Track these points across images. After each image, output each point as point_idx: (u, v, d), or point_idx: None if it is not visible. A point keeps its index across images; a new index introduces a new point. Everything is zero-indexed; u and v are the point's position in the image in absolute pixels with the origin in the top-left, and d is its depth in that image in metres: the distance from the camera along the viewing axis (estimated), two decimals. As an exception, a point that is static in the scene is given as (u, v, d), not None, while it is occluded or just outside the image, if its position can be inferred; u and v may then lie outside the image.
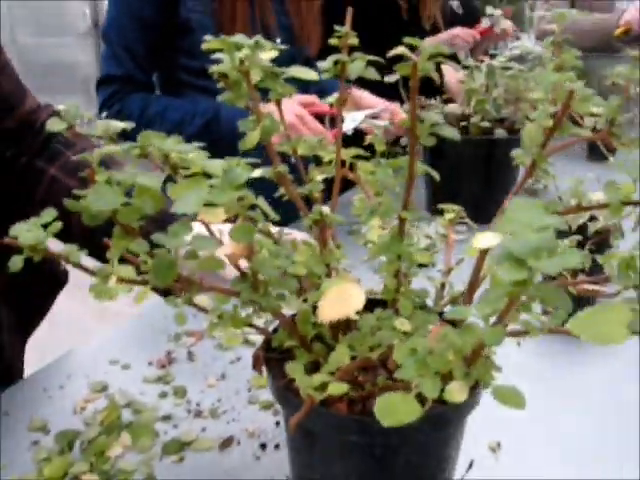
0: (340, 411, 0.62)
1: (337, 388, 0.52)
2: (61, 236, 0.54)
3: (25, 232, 0.46)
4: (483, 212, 0.98)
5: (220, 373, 1.00)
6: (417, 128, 0.50)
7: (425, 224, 0.90)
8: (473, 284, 0.64)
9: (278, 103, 0.70)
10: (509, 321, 0.43)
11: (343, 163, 0.73)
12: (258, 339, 0.74)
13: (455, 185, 1.51)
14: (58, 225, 0.47)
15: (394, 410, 0.45)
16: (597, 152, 2.05)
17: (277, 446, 0.85)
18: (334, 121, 1.69)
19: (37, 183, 0.96)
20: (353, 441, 0.63)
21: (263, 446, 0.85)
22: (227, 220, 0.48)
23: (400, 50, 0.46)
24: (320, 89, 1.76)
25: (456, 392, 0.47)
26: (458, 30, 2.21)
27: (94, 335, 1.13)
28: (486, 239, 0.41)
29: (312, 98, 1.61)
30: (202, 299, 0.70)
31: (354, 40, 0.60)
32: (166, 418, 0.91)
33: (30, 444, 0.87)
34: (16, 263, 0.46)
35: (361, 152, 0.78)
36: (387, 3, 2.09)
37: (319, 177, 0.79)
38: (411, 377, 0.46)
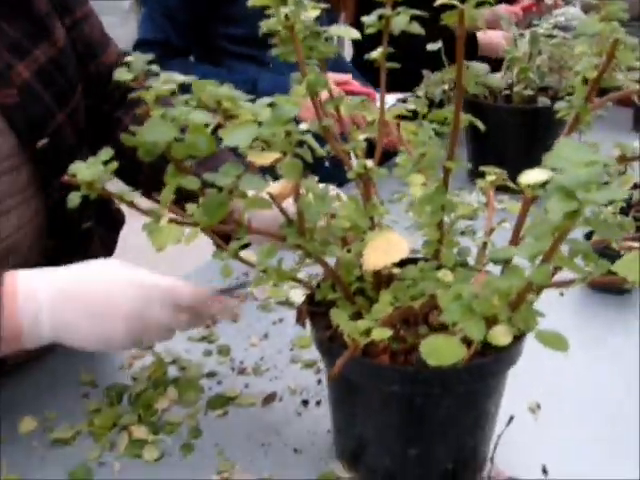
0: (383, 362, 0.63)
1: (381, 333, 0.53)
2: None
3: (84, 169, 0.47)
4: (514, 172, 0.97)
5: (263, 333, 1.02)
6: (463, 77, 0.50)
7: (466, 192, 0.90)
8: (515, 237, 0.64)
9: (322, 62, 0.71)
10: (554, 264, 0.44)
11: (386, 123, 0.74)
12: (300, 301, 0.76)
13: (498, 154, 1.49)
14: (115, 164, 0.48)
15: (440, 351, 0.46)
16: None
17: (318, 403, 0.87)
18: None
19: (112, 133, 0.98)
20: (394, 391, 0.64)
21: (305, 402, 0.87)
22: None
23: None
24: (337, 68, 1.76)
25: (501, 335, 0.48)
26: (501, 8, 2.18)
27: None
28: (534, 174, 0.41)
29: (346, 77, 1.61)
30: (248, 254, 0.72)
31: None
32: (210, 375, 0.93)
33: (80, 396, 0.90)
34: (74, 200, 0.48)
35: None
36: None
37: (361, 136, 0.79)
38: (456, 320, 0.47)
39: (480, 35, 2.01)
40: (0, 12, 0.84)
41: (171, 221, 0.51)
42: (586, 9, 3.06)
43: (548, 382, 0.89)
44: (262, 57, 1.66)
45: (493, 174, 0.85)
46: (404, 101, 1.74)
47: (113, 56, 1.03)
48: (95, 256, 0.81)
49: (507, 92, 1.55)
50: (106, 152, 0.49)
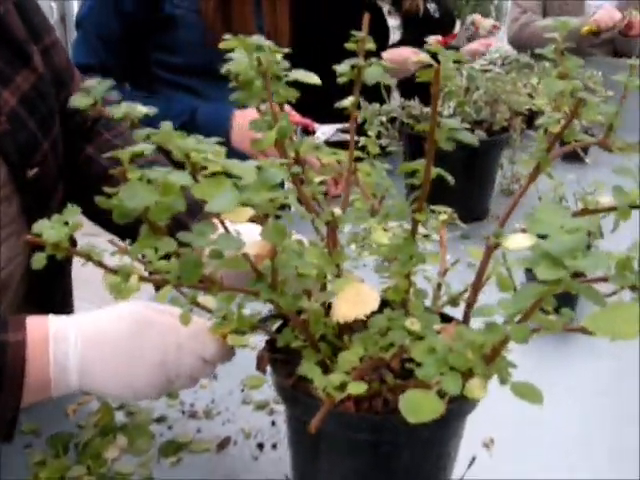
0: (348, 410, 0.63)
1: (357, 387, 0.53)
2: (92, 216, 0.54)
3: (49, 229, 0.46)
4: (466, 211, 0.99)
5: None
6: (436, 133, 0.51)
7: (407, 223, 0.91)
8: (477, 284, 0.65)
9: (281, 106, 0.70)
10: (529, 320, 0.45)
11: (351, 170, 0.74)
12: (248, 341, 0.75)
13: (437, 186, 1.52)
14: (80, 224, 0.47)
15: (419, 407, 0.46)
16: (573, 153, 2.08)
17: (274, 446, 0.86)
18: (306, 131, 1.69)
19: (74, 162, 0.96)
20: (361, 439, 0.64)
21: (260, 446, 0.86)
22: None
23: (421, 57, 0.47)
24: None
25: (476, 389, 0.48)
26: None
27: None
28: (518, 240, 0.42)
29: (287, 108, 1.62)
30: (206, 299, 0.71)
31: (371, 45, 0.61)
32: (160, 420, 0.90)
33: (22, 447, 0.86)
34: (39, 261, 0.46)
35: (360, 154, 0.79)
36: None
37: (317, 179, 0.79)
38: (432, 375, 0.47)
39: (387, 54, 2.03)
40: None
41: (141, 279, 0.50)
42: (515, 42, 3.16)
43: (500, 416, 0.91)
44: (197, 87, 1.65)
45: (443, 213, 0.86)
46: (344, 131, 1.77)
47: (79, 84, 1.01)
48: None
49: (444, 125, 1.59)
50: (71, 210, 0.47)
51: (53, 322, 0.71)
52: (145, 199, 0.40)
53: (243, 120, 1.56)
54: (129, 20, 1.55)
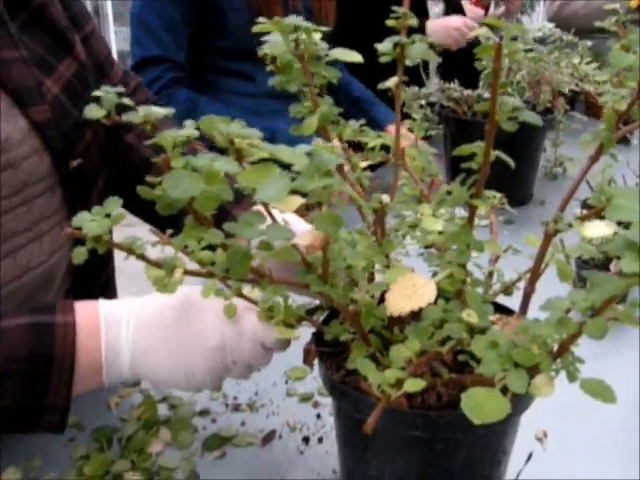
0: (401, 406, 0.60)
1: (414, 385, 0.50)
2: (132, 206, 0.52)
3: (89, 222, 0.44)
4: (510, 195, 0.95)
5: (255, 365, 0.98)
6: (497, 113, 0.47)
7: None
8: (535, 273, 0.62)
9: (322, 88, 0.67)
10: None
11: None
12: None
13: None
14: (122, 216, 0.44)
15: (484, 408, 0.43)
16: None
17: (320, 439, 0.84)
18: None
19: (114, 151, 0.95)
20: (415, 436, 0.61)
21: (306, 440, 0.84)
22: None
23: (481, 31, 0.44)
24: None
25: (543, 386, 0.45)
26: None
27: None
28: (598, 228, 0.39)
29: None
30: (250, 290, 0.68)
31: (413, 21, 0.58)
32: (204, 413, 0.89)
33: (66, 441, 0.85)
34: (79, 256, 0.44)
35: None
36: None
37: (363, 164, 0.76)
38: (496, 372, 0.44)
39: (431, 23, 1.98)
40: (23, 27, 0.80)
41: (185, 273, 0.48)
42: (554, 19, 3.08)
43: (552, 409, 0.87)
44: (249, 72, 1.65)
45: (492, 197, 0.83)
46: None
47: (119, 74, 1.00)
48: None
49: (486, 107, 1.54)
50: (112, 202, 0.45)
51: (103, 306, 0.67)
52: (190, 188, 0.38)
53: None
54: (185, 7, 1.55)
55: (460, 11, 2.24)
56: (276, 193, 0.37)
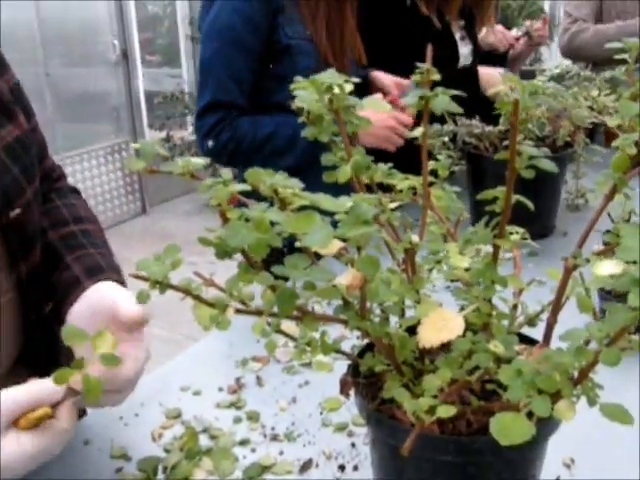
0: (433, 431, 0.64)
1: (446, 411, 0.54)
2: None
3: (152, 266, 0.49)
4: (532, 227, 0.98)
5: (291, 397, 1.02)
6: (516, 161, 0.52)
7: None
8: (557, 306, 0.66)
9: (354, 136, 0.73)
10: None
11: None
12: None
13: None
14: (180, 260, 0.50)
15: (510, 430, 0.47)
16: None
17: (356, 467, 0.87)
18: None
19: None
20: (447, 460, 0.65)
21: (342, 468, 0.88)
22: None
23: (500, 89, 0.49)
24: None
25: (566, 411, 0.49)
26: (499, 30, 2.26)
27: (161, 362, 1.16)
28: (608, 267, 0.43)
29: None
30: (289, 326, 0.73)
31: (436, 76, 0.63)
32: (243, 443, 0.93)
33: (113, 471, 0.89)
34: (143, 297, 0.49)
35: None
36: (417, 13, 2.11)
37: (392, 205, 0.81)
38: (521, 398, 0.49)
39: (482, 71, 2.04)
40: None
41: (237, 311, 0.52)
42: (568, 53, 3.14)
43: (579, 434, 0.90)
44: None
45: (515, 233, 0.87)
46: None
47: (50, 162, 1.09)
48: None
49: (506, 142, 1.59)
50: (172, 248, 0.50)
51: None
52: (246, 238, 0.43)
53: (382, 119, 1.67)
54: (252, 54, 1.64)
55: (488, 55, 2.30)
56: (321, 240, 0.42)
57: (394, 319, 0.65)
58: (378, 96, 1.77)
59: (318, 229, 0.42)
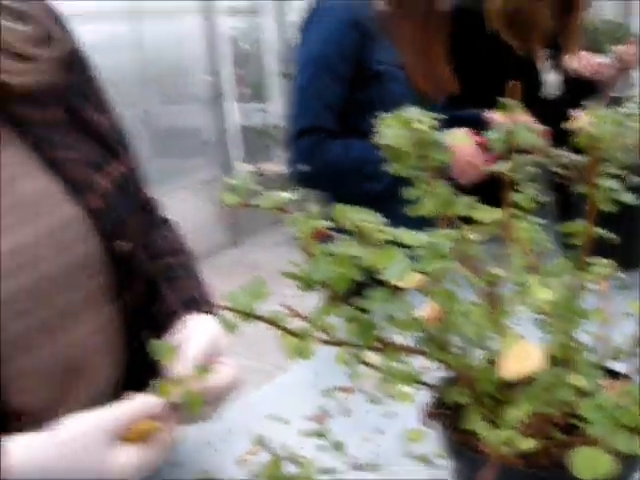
0: (514, 464, 0.64)
1: (527, 444, 0.55)
2: None
3: (239, 298, 0.52)
4: (620, 259, 0.96)
5: (375, 426, 1.03)
6: (596, 194, 0.53)
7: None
8: (642, 339, 0.65)
9: (437, 170, 0.74)
10: None
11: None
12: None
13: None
14: (267, 293, 0.52)
15: (592, 465, 0.47)
16: None
17: (438, 499, 0.87)
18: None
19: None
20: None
21: (425, 499, 0.88)
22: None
23: (581, 122, 0.50)
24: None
25: (649, 447, 0.49)
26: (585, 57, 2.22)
27: (249, 391, 1.19)
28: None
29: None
30: (371, 356, 0.75)
31: (519, 109, 0.64)
32: (327, 471, 0.95)
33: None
34: (230, 326, 0.52)
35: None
36: (500, 42, 2.10)
37: (475, 237, 0.82)
38: (603, 433, 0.49)
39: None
40: (78, 137, 0.94)
41: (320, 342, 0.55)
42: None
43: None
44: None
45: (604, 266, 0.86)
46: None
47: (147, 195, 1.13)
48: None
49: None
50: (257, 281, 0.53)
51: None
52: (328, 272, 0.45)
53: (462, 154, 1.66)
54: (345, 80, 1.69)
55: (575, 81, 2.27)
56: (399, 273, 0.43)
57: (476, 350, 0.65)
58: (464, 130, 1.77)
59: (397, 263, 0.44)
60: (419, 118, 0.64)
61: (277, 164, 5.91)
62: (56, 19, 0.96)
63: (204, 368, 0.69)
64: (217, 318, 0.96)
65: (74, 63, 0.96)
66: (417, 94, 1.74)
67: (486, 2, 2.02)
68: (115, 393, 0.96)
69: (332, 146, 1.69)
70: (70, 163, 0.89)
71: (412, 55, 1.73)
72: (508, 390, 0.69)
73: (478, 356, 0.63)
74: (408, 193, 0.71)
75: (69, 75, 0.93)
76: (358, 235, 0.55)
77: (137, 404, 0.77)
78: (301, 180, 1.75)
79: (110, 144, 0.97)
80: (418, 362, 0.77)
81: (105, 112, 1.00)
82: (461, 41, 1.94)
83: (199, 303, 0.98)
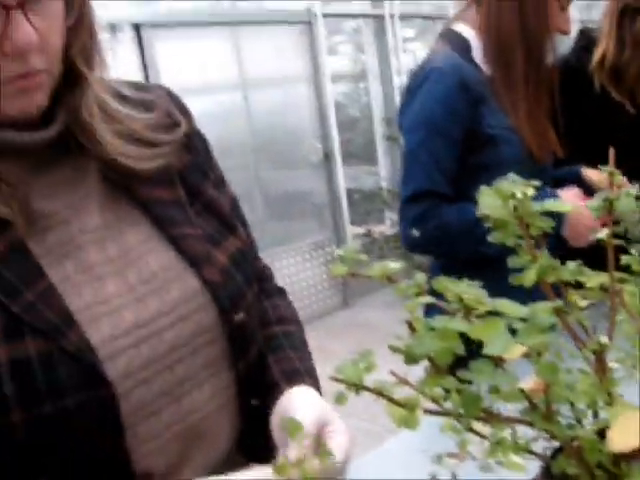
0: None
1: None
2: None
3: (347, 370, 0.54)
4: None
5: (487, 495, 1.01)
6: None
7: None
8: None
9: (538, 238, 0.75)
10: None
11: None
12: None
13: None
14: (375, 365, 0.55)
15: None
16: None
17: None
18: None
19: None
20: None
21: None
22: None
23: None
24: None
25: None
26: None
27: (360, 455, 1.20)
28: None
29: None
30: (479, 425, 0.75)
31: (618, 178, 0.65)
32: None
33: None
34: (341, 398, 0.54)
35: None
36: (608, 99, 2.06)
37: (582, 303, 0.81)
38: None
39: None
40: (197, 213, 1.00)
41: (426, 411, 0.56)
42: None
43: None
44: None
45: None
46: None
47: (260, 264, 1.19)
48: None
49: None
50: (366, 353, 0.55)
51: None
52: (431, 346, 0.47)
53: (578, 219, 1.64)
54: (455, 145, 1.70)
55: None
56: (501, 347, 0.45)
57: (585, 420, 0.65)
58: (575, 191, 1.74)
59: (498, 336, 0.46)
60: (518, 188, 0.66)
61: (386, 226, 5.97)
62: (175, 103, 1.04)
63: (322, 449, 0.71)
64: (319, 389, 1.00)
65: (193, 143, 1.04)
66: (528, 156, 1.74)
67: (593, 59, 2.01)
68: (229, 459, 1.00)
69: (446, 210, 1.68)
70: (190, 239, 0.96)
71: (520, 118, 1.72)
72: (622, 462, 0.67)
73: (587, 426, 0.62)
74: (512, 262, 0.72)
75: (188, 155, 1.01)
76: (460, 307, 0.56)
77: (259, 477, 0.80)
78: (415, 245, 1.75)
79: (227, 220, 1.03)
80: (529, 430, 0.76)
81: (222, 189, 1.07)
82: (569, 101, 1.93)
83: (302, 375, 1.02)
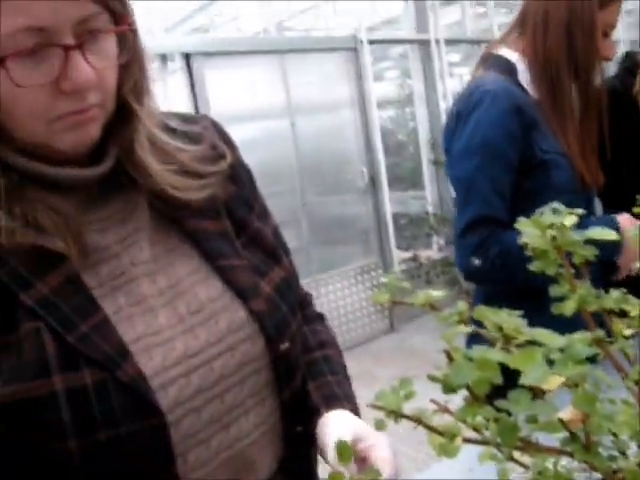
0: None
1: None
2: None
3: (387, 397, 0.55)
4: None
5: (532, 526, 1.00)
6: None
7: None
8: None
9: (582, 265, 0.75)
10: None
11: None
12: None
13: None
14: (413, 393, 0.56)
15: None
16: None
17: None
18: None
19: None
20: None
21: None
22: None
23: None
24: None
25: None
26: None
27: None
28: None
29: None
30: (521, 456, 0.75)
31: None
32: None
33: None
34: (380, 425, 0.56)
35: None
36: None
37: (627, 332, 0.81)
38: None
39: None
40: (244, 244, 1.03)
41: (465, 440, 0.57)
42: None
43: None
44: None
45: None
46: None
47: (302, 291, 1.20)
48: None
49: None
50: (405, 382, 0.56)
51: None
52: (468, 376, 0.48)
53: (635, 247, 1.60)
54: (512, 169, 1.66)
55: None
56: (538, 378, 0.46)
57: (628, 450, 0.64)
58: (627, 216, 1.70)
59: (536, 367, 0.46)
60: (557, 218, 0.66)
61: (433, 250, 5.95)
62: (220, 134, 1.07)
63: (373, 471, 0.72)
64: (358, 413, 1.01)
65: (237, 175, 1.06)
66: (579, 182, 1.72)
67: (637, 82, 1.99)
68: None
69: (505, 237, 1.62)
70: (237, 270, 0.98)
71: (571, 142, 1.71)
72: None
73: (630, 456, 0.62)
74: (553, 291, 0.72)
75: (233, 186, 1.04)
76: (500, 336, 0.57)
77: None
78: (476, 274, 1.70)
79: (272, 250, 1.05)
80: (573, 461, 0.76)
81: (265, 219, 1.09)
82: (614, 125, 1.92)
83: (340, 400, 1.03)
